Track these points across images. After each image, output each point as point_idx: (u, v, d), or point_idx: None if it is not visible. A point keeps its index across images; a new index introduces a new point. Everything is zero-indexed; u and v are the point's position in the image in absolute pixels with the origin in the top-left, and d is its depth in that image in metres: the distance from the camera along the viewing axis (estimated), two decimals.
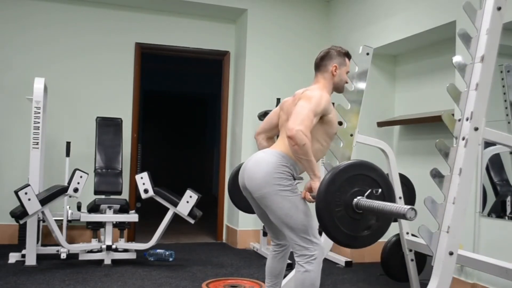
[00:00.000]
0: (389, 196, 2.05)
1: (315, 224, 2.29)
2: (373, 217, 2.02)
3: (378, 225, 2.05)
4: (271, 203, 2.28)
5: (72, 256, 4.20)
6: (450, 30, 3.61)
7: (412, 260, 3.28)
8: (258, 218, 2.60)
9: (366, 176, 2.03)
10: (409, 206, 1.77)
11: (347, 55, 2.54)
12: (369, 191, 2.00)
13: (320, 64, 2.51)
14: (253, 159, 2.40)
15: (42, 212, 3.88)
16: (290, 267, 2.96)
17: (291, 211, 2.25)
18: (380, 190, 2.01)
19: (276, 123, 2.60)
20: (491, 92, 2.03)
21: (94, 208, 4.22)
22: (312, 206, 2.36)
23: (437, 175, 2.05)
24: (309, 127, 2.22)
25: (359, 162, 2.09)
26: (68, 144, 4.60)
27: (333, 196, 1.98)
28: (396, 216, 1.83)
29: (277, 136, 2.60)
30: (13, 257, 4.13)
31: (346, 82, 2.57)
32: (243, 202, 2.65)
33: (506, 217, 3.23)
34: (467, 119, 2.00)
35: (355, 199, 1.99)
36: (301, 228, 2.27)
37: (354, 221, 2.01)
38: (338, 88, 2.54)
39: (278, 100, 4.74)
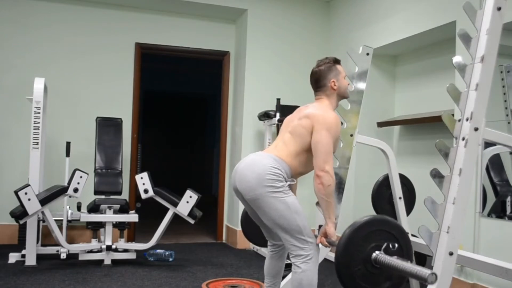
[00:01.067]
0: (407, 251, 2.05)
1: (308, 223, 2.31)
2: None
3: (399, 275, 2.02)
4: (263, 205, 2.27)
5: (72, 256, 4.20)
6: (450, 30, 3.61)
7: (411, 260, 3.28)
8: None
9: (382, 230, 2.03)
10: (430, 271, 1.75)
11: (336, 62, 2.54)
12: (385, 245, 1.99)
13: (318, 85, 2.51)
14: (245, 161, 2.39)
15: (42, 212, 3.88)
16: (289, 267, 2.96)
17: (284, 212, 2.25)
18: (397, 245, 2.01)
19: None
20: (491, 92, 2.02)
21: (94, 208, 4.22)
22: (309, 207, 2.35)
23: (437, 175, 2.04)
24: (333, 162, 2.28)
25: (376, 218, 2.09)
26: (68, 144, 4.60)
27: (352, 255, 1.97)
28: (417, 279, 1.83)
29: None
30: (13, 257, 4.13)
31: (348, 84, 2.57)
32: (259, 239, 2.71)
33: (506, 217, 3.23)
34: (467, 119, 2.00)
35: (374, 254, 1.98)
36: (295, 229, 2.26)
37: (374, 276, 2.00)
38: (343, 96, 2.55)
39: (278, 100, 4.74)
